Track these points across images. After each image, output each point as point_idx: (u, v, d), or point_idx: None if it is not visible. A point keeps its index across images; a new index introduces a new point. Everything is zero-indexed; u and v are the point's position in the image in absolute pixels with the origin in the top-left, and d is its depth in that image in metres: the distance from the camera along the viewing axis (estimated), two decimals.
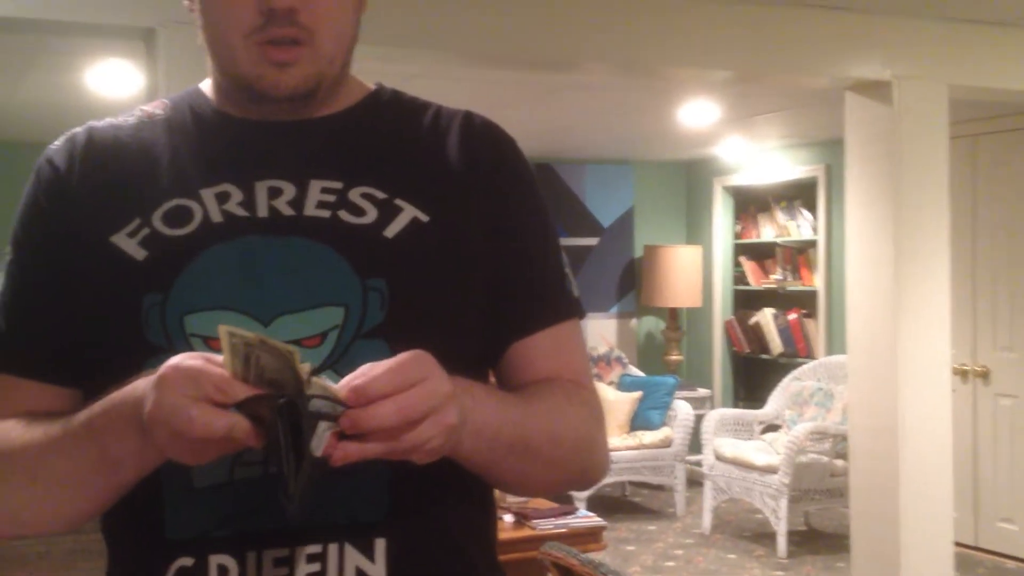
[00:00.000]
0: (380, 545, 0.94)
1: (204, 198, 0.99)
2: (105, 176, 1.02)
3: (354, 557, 0.93)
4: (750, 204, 7.18)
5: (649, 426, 6.15)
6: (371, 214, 1.00)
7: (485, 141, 1.08)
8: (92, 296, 0.98)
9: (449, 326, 1.00)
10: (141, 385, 0.85)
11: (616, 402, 6.17)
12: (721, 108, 5.29)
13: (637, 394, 6.26)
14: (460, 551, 1.01)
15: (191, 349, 0.93)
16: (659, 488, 6.49)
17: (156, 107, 1.08)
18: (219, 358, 0.81)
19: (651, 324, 7.41)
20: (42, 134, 5.84)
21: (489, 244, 1.03)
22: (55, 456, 0.92)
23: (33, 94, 4.52)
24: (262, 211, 0.99)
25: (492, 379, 1.09)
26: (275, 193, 1.00)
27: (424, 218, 1.01)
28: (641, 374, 6.68)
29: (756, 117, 5.65)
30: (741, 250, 7.23)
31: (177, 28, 2.55)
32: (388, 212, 1.00)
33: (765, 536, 5.56)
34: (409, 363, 0.83)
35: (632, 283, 7.28)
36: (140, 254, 0.97)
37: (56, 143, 1.06)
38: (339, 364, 0.93)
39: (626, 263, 7.29)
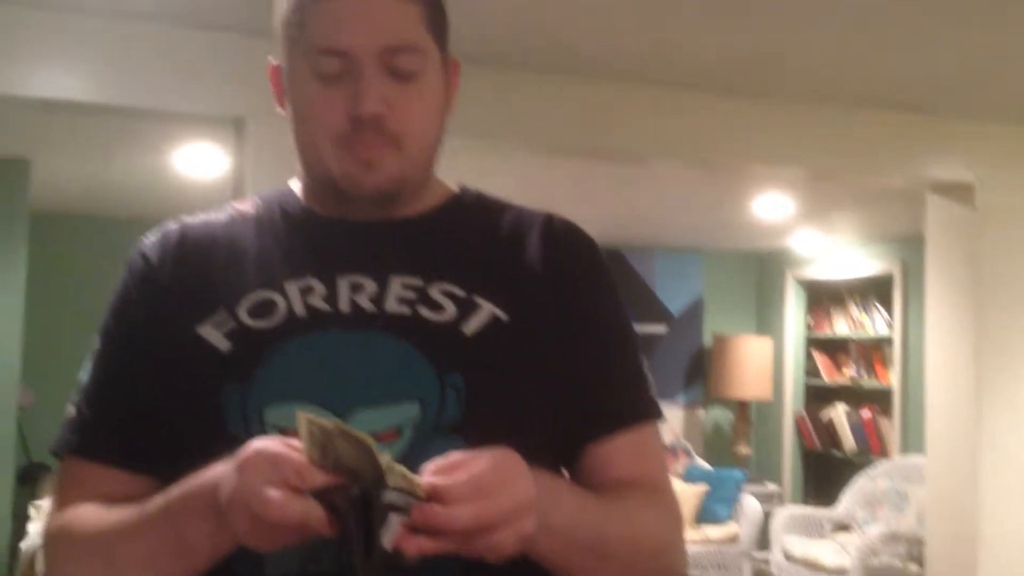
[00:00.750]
0: None
1: (288, 291, 1.01)
2: (195, 271, 1.05)
3: None
4: (823, 297, 7.09)
5: (715, 520, 6.01)
6: (450, 311, 1.01)
7: (566, 243, 1.09)
8: (175, 385, 1.00)
9: (526, 425, 1.00)
10: (218, 470, 0.86)
11: (681, 494, 6.05)
12: (795, 202, 5.27)
13: (703, 487, 6.14)
14: None
15: None
16: None
17: (247, 205, 1.12)
18: (298, 443, 0.82)
19: (719, 415, 7.30)
20: (129, 211, 6.02)
21: (568, 345, 1.04)
22: (131, 540, 0.93)
23: (122, 173, 4.69)
24: (344, 305, 1.01)
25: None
26: (357, 288, 1.02)
27: (503, 316, 1.02)
28: (708, 466, 6.55)
29: (831, 211, 5.61)
30: (814, 344, 7.12)
31: (266, 117, 2.63)
32: (467, 309, 1.01)
33: None
34: (494, 465, 0.83)
35: (700, 372, 7.20)
36: (224, 345, 0.99)
37: (149, 238, 1.09)
38: (415, 459, 0.93)
39: (694, 352, 7.23)
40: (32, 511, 4.96)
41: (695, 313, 7.26)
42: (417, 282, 1.02)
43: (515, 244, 1.08)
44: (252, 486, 0.81)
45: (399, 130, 0.99)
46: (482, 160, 3.43)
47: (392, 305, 1.01)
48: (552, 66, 3.15)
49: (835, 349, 6.97)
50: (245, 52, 2.72)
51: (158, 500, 0.92)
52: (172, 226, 1.10)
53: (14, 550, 4.63)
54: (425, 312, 1.01)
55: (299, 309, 1.00)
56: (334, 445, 0.80)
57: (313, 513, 0.80)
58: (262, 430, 0.94)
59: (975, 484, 3.60)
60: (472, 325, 1.00)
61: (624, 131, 3.33)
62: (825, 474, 6.94)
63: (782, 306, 7.24)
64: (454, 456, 0.84)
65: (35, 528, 4.70)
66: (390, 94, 0.98)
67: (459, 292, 1.02)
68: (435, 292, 1.02)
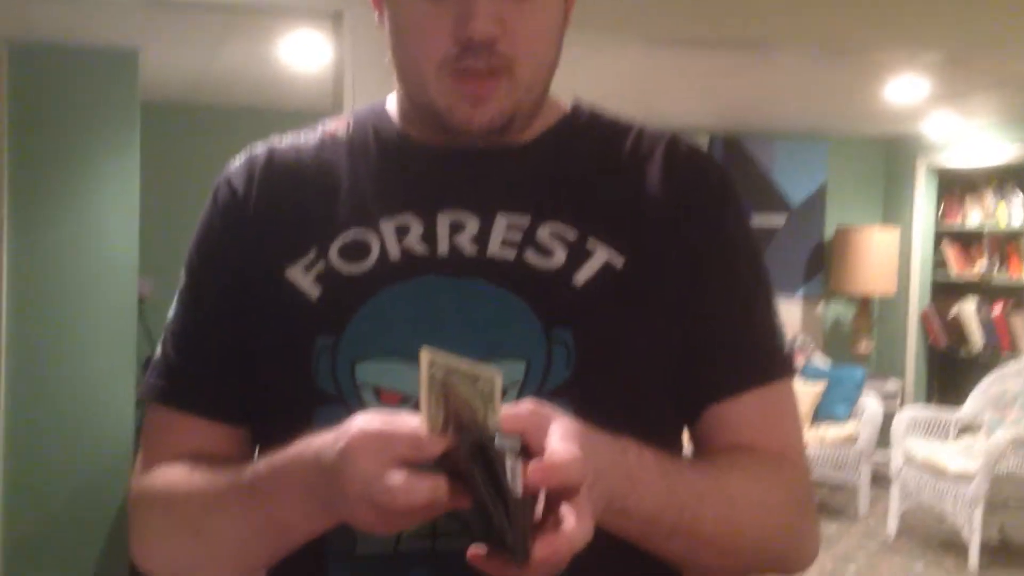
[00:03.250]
0: None
1: (383, 230, 0.92)
2: (283, 201, 0.96)
3: None
4: (956, 186, 6.68)
5: (833, 419, 5.85)
6: (559, 256, 0.90)
7: (691, 171, 0.96)
8: (264, 334, 0.92)
9: (642, 387, 0.90)
10: (312, 448, 0.78)
11: (798, 392, 5.87)
12: (930, 84, 4.90)
13: (821, 385, 5.97)
14: None
15: (360, 398, 0.86)
16: (840, 487, 6.17)
17: (339, 126, 1.01)
18: (400, 418, 0.73)
19: (839, 310, 7.04)
20: (237, 101, 6.03)
21: (690, 291, 0.92)
22: (219, 515, 0.87)
23: (229, 63, 4.65)
24: (442, 248, 0.90)
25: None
26: (457, 228, 0.91)
27: (618, 262, 0.90)
28: (827, 363, 6.35)
29: (970, 94, 5.21)
30: (944, 235, 6.73)
31: (363, 11, 2.52)
32: (578, 255, 0.90)
33: (955, 546, 5.20)
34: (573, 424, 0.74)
35: (820, 265, 6.92)
36: (314, 292, 0.90)
37: (236, 162, 1.00)
38: None
39: (815, 244, 6.94)
40: None
41: (817, 203, 6.93)
42: (524, 221, 0.91)
43: (634, 173, 0.95)
44: (368, 474, 0.71)
45: (513, 54, 0.86)
46: (583, 52, 3.23)
47: (495, 248, 0.90)
48: None
49: (967, 241, 6.59)
50: None
51: (246, 477, 0.85)
52: (259, 150, 1.00)
53: (139, 438, 4.80)
54: (531, 257, 0.89)
55: (393, 252, 0.90)
56: (456, 391, 0.70)
57: (440, 489, 0.70)
58: (353, 388, 0.86)
59: None
60: (583, 274, 0.89)
61: (743, 17, 3.09)
62: (951, 373, 6.67)
63: (911, 195, 6.83)
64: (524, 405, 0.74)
65: None
66: (504, 12, 0.85)
67: (571, 234, 0.91)
68: (544, 234, 0.90)
